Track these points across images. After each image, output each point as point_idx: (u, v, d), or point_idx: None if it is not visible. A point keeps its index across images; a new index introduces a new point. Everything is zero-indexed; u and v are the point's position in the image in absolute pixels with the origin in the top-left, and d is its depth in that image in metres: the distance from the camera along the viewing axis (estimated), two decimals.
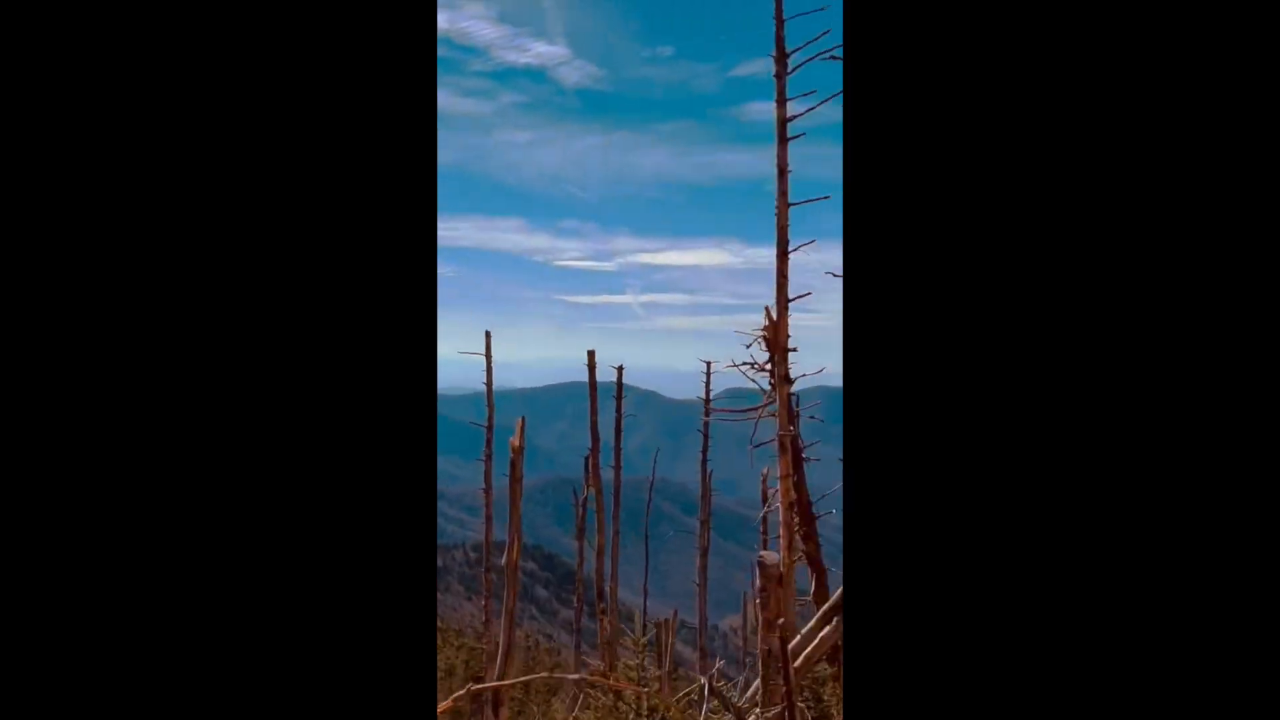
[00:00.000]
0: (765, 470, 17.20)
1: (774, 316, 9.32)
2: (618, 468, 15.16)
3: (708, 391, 15.68)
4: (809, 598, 10.22)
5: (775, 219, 9.17)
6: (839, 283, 7.95)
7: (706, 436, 15.80)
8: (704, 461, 15.88)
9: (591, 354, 13.69)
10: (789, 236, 9.19)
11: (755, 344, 9.37)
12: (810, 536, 10.33)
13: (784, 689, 8.47)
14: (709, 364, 15.57)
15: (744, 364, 9.53)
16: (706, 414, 15.74)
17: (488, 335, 14.48)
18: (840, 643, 9.56)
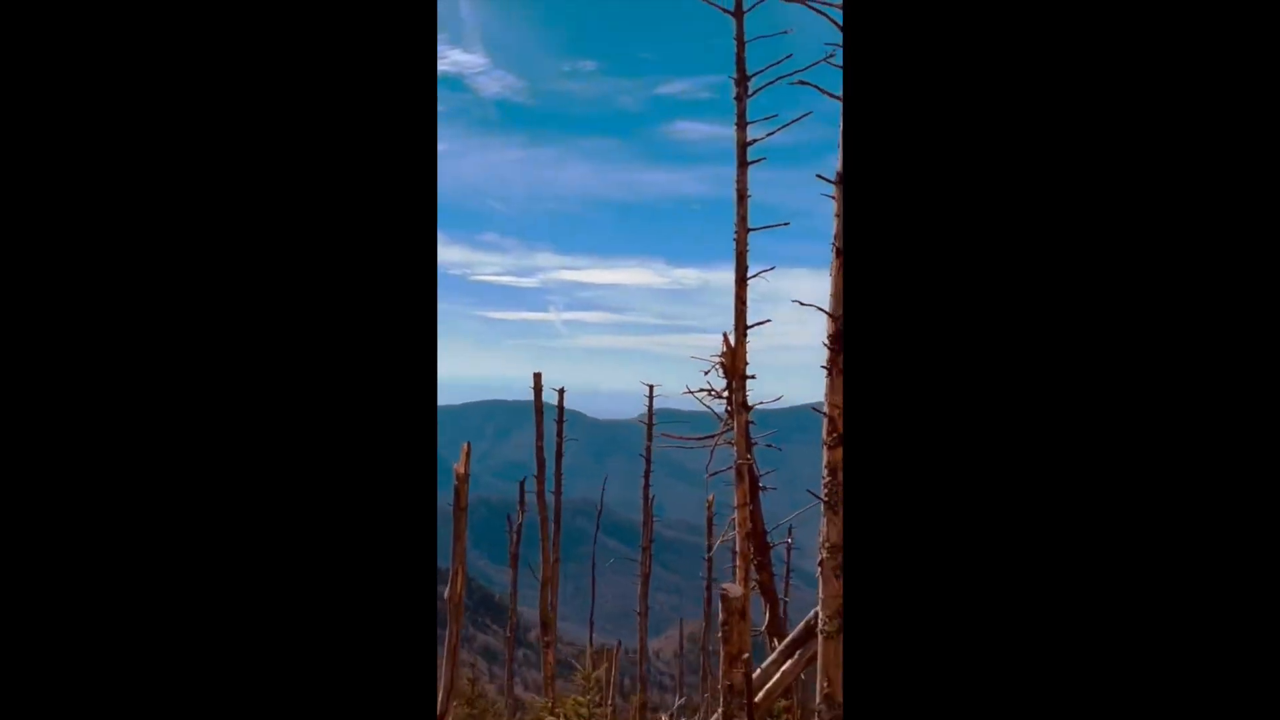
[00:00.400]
0: (711, 497, 17.05)
1: (732, 343, 9.17)
2: (558, 493, 14.84)
3: (650, 415, 15.48)
4: (762, 629, 10.05)
5: (734, 244, 9.03)
6: (801, 310, 7.82)
7: (649, 461, 15.57)
8: (646, 487, 15.65)
9: (538, 376, 13.35)
10: (748, 262, 9.05)
11: (713, 370, 9.20)
12: (764, 566, 10.18)
13: None
14: (651, 387, 15.38)
15: (700, 390, 9.35)
16: (649, 438, 15.53)
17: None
18: (800, 678, 9.39)
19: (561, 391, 14.88)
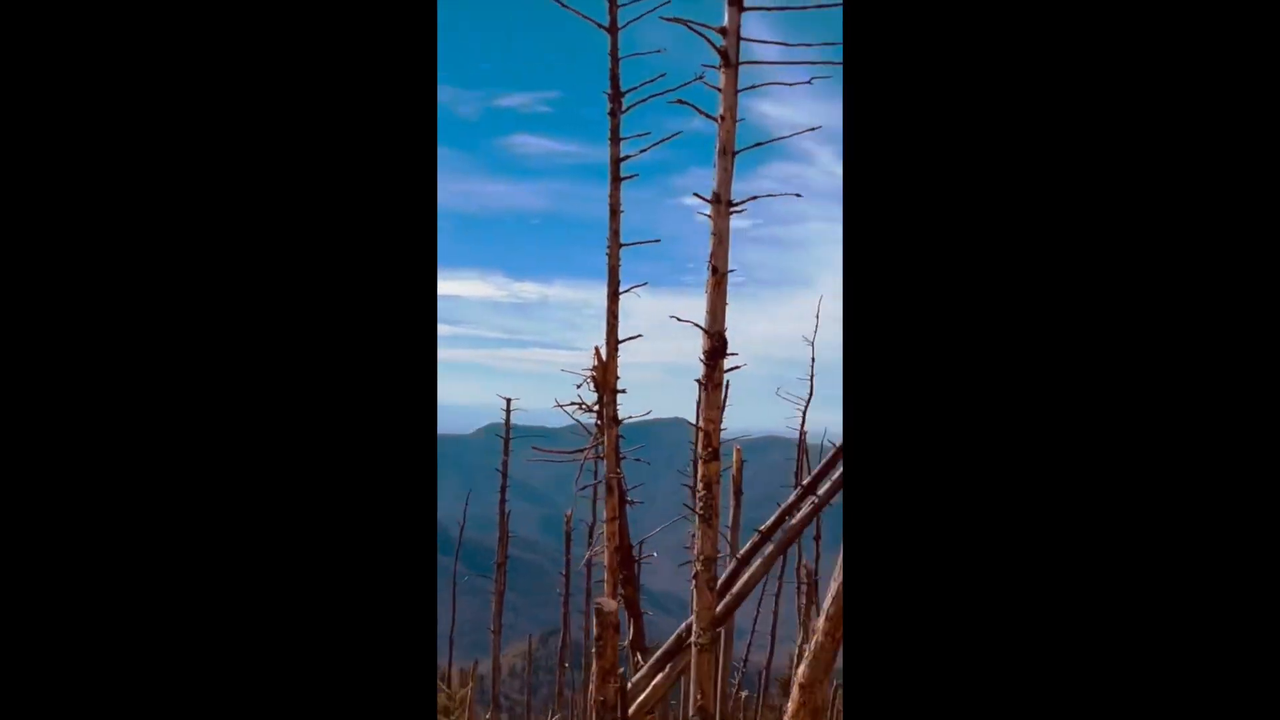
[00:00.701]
0: (569, 512, 16.99)
1: (603, 357, 9.20)
2: None
3: (508, 429, 15.32)
4: (626, 643, 10.08)
5: (606, 259, 9.07)
6: (674, 326, 7.94)
7: (505, 475, 15.40)
8: (503, 502, 15.45)
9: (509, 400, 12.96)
10: (620, 278, 9.11)
11: (584, 384, 9.20)
12: (629, 581, 10.22)
13: None
14: (509, 400, 15.24)
15: (570, 403, 9.32)
16: (506, 452, 15.37)
17: None
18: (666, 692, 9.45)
19: None
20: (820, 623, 5.53)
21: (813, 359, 13.92)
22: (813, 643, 5.53)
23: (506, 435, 15.02)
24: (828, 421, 15.52)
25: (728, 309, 7.27)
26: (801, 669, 5.59)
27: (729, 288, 7.30)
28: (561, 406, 9.44)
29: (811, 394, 13.98)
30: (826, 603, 5.47)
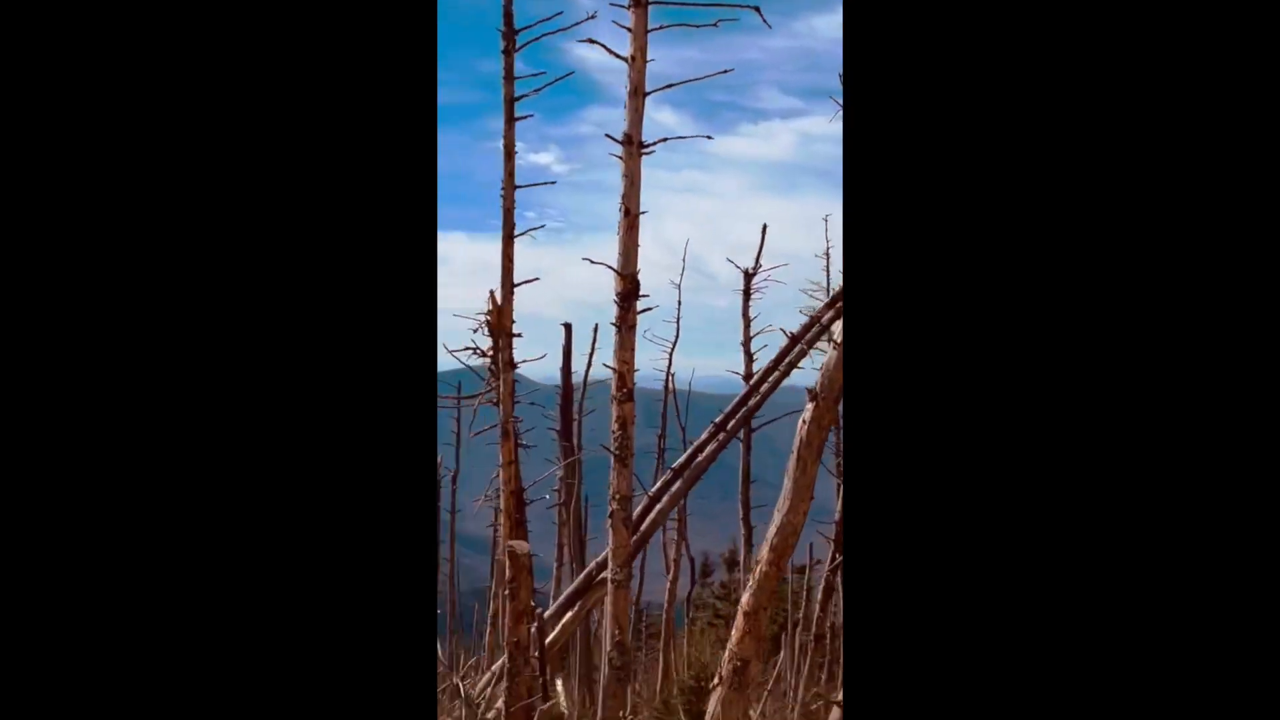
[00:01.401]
0: (440, 459, 16.68)
1: (499, 300, 9.09)
2: None
3: None
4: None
5: (501, 201, 8.92)
6: (582, 267, 7.96)
7: None
8: None
9: None
10: (514, 220, 8.99)
11: (480, 329, 9.06)
12: (521, 524, 10.27)
13: (539, 679, 8.32)
14: None
15: (465, 348, 9.18)
16: None
17: None
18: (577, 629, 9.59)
19: None
20: (764, 551, 5.79)
21: (679, 302, 14.20)
22: (756, 571, 5.79)
23: None
24: (696, 365, 15.91)
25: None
26: (746, 597, 5.83)
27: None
28: (453, 353, 9.29)
29: (678, 337, 14.29)
30: (770, 532, 5.72)
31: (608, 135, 7.34)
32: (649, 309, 7.39)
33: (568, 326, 14.62)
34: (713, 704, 5.76)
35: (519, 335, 9.26)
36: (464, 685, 7.54)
